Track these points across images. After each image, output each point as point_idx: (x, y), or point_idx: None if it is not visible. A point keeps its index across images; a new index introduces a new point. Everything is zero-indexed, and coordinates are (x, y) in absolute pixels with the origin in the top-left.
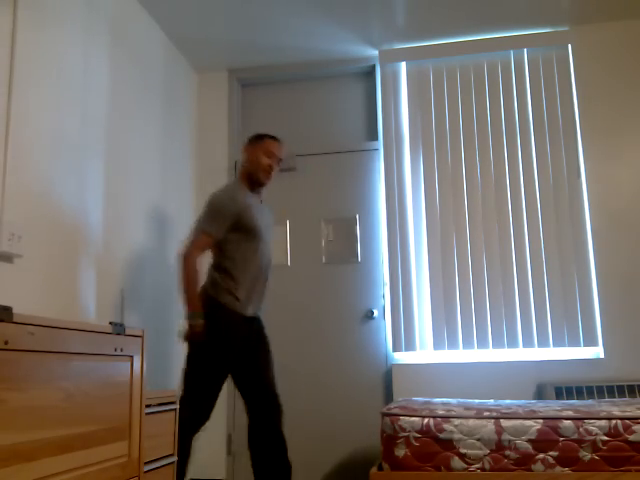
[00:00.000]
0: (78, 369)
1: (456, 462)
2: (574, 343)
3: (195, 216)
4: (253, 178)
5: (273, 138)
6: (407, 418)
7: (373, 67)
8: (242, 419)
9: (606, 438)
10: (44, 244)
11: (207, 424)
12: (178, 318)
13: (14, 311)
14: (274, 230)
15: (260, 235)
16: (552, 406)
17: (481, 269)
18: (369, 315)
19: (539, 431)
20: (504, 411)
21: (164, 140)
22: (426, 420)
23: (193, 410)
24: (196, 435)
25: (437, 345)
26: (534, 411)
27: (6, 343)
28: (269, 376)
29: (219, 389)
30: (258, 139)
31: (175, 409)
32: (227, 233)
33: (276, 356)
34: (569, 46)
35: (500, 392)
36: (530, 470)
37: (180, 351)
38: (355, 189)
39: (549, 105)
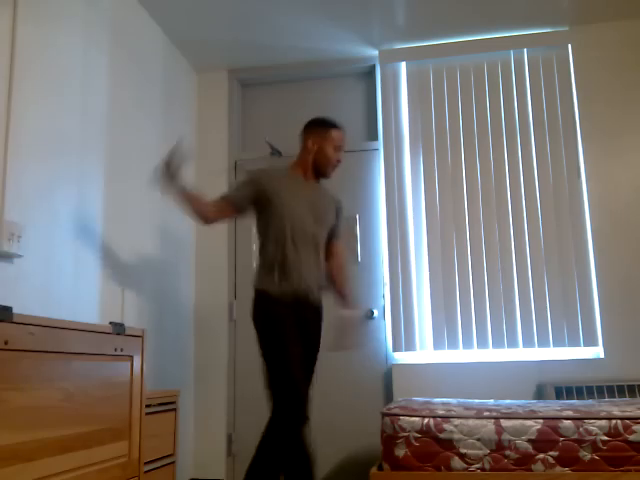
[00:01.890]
0: (78, 369)
1: (456, 462)
2: (574, 343)
3: None
4: (320, 170)
5: (340, 128)
6: (407, 418)
7: (373, 67)
8: (242, 419)
9: (606, 438)
10: (44, 244)
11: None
12: (179, 318)
13: (14, 311)
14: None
15: (283, 204)
16: (552, 406)
17: (481, 269)
18: (369, 315)
19: (539, 431)
20: (504, 411)
21: (164, 140)
22: (426, 420)
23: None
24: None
25: (437, 345)
26: (534, 411)
27: (6, 343)
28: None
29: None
30: (325, 128)
31: (175, 409)
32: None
33: None
34: (569, 46)
35: (500, 392)
36: (530, 470)
37: (180, 351)
38: (355, 189)
39: (549, 105)
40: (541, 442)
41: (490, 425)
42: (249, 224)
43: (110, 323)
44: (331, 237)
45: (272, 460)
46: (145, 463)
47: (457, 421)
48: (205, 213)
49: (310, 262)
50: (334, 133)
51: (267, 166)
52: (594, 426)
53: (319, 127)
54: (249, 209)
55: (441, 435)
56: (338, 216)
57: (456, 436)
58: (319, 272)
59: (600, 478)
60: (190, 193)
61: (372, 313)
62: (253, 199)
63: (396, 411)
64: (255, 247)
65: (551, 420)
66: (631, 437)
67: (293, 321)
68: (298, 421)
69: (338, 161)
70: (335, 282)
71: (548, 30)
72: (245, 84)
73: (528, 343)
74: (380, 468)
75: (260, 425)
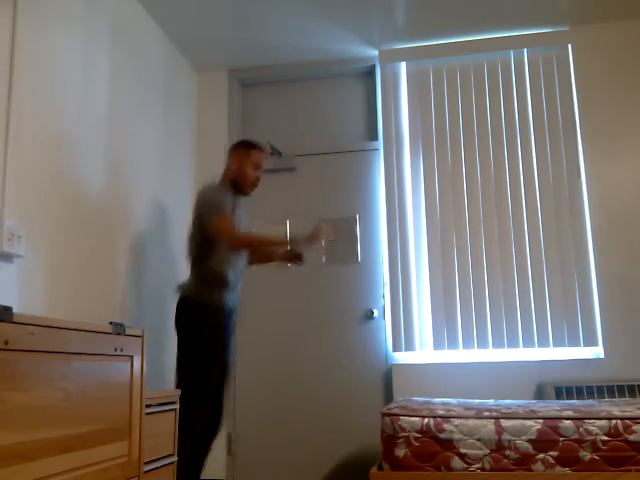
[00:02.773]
0: (78, 369)
1: (456, 462)
2: (574, 343)
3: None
4: (238, 187)
5: (260, 148)
6: (407, 418)
7: (373, 67)
8: (242, 419)
9: (606, 438)
10: (44, 244)
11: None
12: None
13: (14, 311)
14: (274, 229)
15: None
16: (552, 406)
17: (481, 269)
18: (369, 315)
19: (539, 431)
20: (504, 411)
21: (164, 140)
22: (426, 420)
23: None
24: None
25: (437, 345)
26: (534, 411)
27: (6, 343)
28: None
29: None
30: (246, 148)
31: (175, 409)
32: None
33: (276, 356)
34: (569, 46)
35: (500, 392)
36: (530, 470)
37: None
38: (355, 189)
39: (549, 105)
40: (541, 442)
41: (490, 425)
42: (249, 224)
43: (110, 323)
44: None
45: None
46: (145, 463)
47: (457, 421)
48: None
49: (238, 279)
50: (255, 153)
51: (212, 187)
52: (594, 426)
53: (242, 147)
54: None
55: (441, 435)
56: None
57: (456, 436)
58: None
59: (600, 478)
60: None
61: (372, 313)
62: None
63: (396, 411)
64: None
65: (551, 420)
66: (631, 437)
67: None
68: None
69: (257, 179)
70: (261, 254)
71: (548, 30)
72: (245, 84)
73: (528, 343)
74: (380, 468)
75: (260, 425)
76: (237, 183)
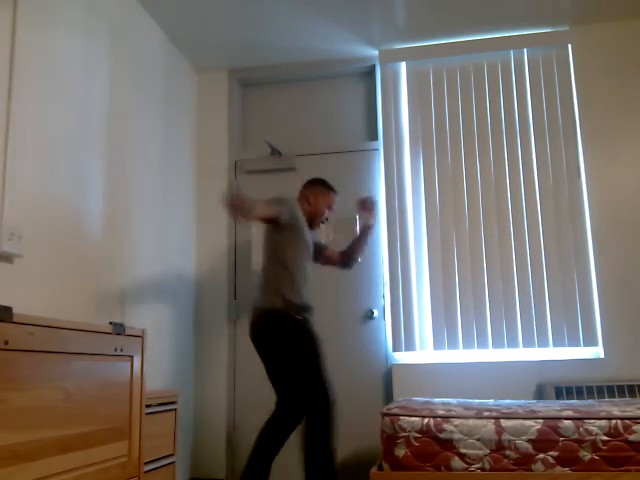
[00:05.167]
0: (78, 369)
1: (456, 462)
2: (574, 343)
3: (195, 216)
4: (311, 222)
5: (335, 192)
6: (407, 418)
7: (373, 67)
8: (242, 419)
9: (606, 438)
10: (44, 244)
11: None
12: (179, 318)
13: (14, 311)
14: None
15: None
16: (552, 406)
17: (481, 269)
18: (369, 315)
19: (539, 431)
20: (504, 411)
21: (164, 140)
22: (426, 420)
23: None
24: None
25: (437, 345)
26: (534, 411)
27: (6, 343)
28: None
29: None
30: (324, 188)
31: (175, 409)
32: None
33: None
34: (569, 46)
35: (500, 392)
36: (530, 470)
37: (180, 351)
38: (355, 189)
39: (549, 105)
40: (541, 442)
41: (490, 425)
42: (249, 224)
43: (110, 323)
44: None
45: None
46: (145, 463)
47: (457, 421)
48: (255, 211)
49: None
50: (332, 195)
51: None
52: (594, 426)
53: (322, 187)
54: (282, 224)
55: (441, 435)
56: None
57: (456, 436)
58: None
59: (600, 478)
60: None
61: (372, 313)
62: (288, 219)
63: (396, 411)
64: (262, 257)
65: (551, 420)
66: (631, 437)
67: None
68: (326, 413)
69: (327, 219)
70: (352, 253)
71: (548, 30)
72: (245, 84)
73: (528, 343)
74: (380, 468)
75: (260, 425)
76: (312, 219)
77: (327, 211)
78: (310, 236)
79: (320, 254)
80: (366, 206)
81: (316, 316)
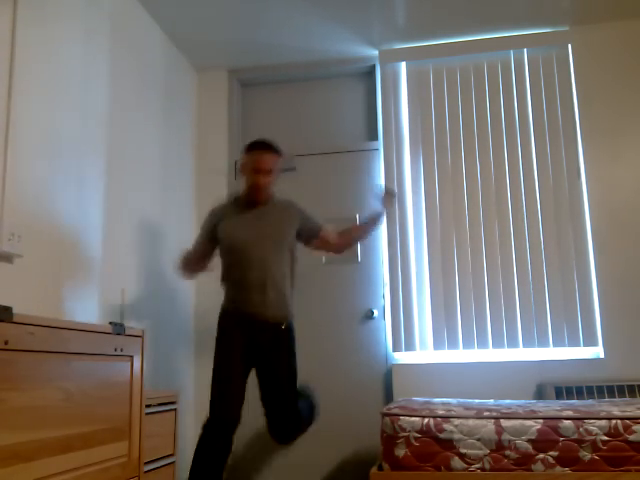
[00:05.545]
0: (78, 369)
1: (456, 462)
2: (574, 343)
3: (195, 216)
4: (250, 196)
5: (259, 149)
6: (407, 418)
7: (373, 67)
8: (242, 419)
9: (606, 438)
10: (44, 244)
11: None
12: (178, 318)
13: (14, 311)
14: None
15: (229, 247)
16: (552, 406)
17: (481, 269)
18: (369, 315)
19: (539, 431)
20: (504, 411)
21: (164, 140)
22: (426, 420)
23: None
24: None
25: (437, 345)
26: (534, 411)
27: (6, 343)
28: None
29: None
30: (246, 151)
31: (175, 409)
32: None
33: None
34: (569, 46)
35: (500, 392)
36: (530, 470)
37: (180, 351)
38: (355, 189)
39: (549, 105)
40: (541, 442)
41: (490, 425)
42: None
43: (110, 323)
44: (310, 236)
45: (197, 463)
46: (145, 463)
47: (457, 421)
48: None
49: (257, 284)
50: (253, 155)
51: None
52: (594, 426)
53: (245, 151)
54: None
55: (441, 435)
56: (301, 218)
57: (456, 436)
58: (276, 292)
59: (600, 478)
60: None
61: (372, 313)
62: (210, 234)
63: (396, 411)
64: None
65: (551, 420)
66: (631, 437)
67: (233, 336)
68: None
69: (256, 184)
70: (351, 236)
71: (548, 30)
72: (245, 84)
73: (528, 343)
74: (380, 468)
75: (259, 425)
76: (248, 191)
77: (253, 176)
78: (271, 215)
79: (312, 237)
80: (388, 196)
81: (316, 316)
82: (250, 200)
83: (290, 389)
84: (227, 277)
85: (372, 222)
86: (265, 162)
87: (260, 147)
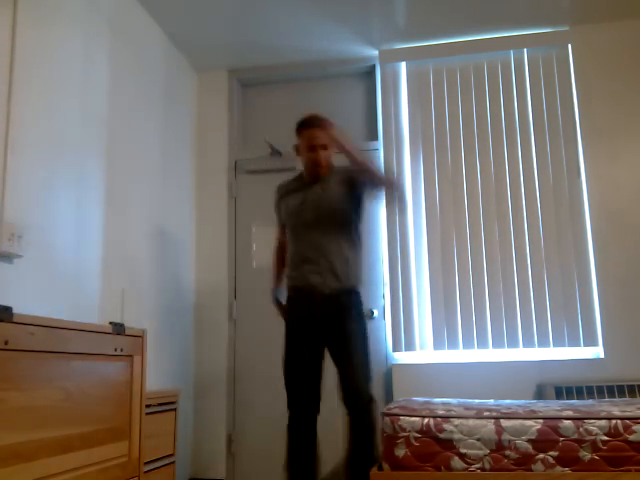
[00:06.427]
0: (78, 369)
1: (456, 462)
2: (574, 343)
3: (195, 216)
4: (309, 174)
5: (308, 127)
6: (407, 418)
7: (373, 67)
8: (242, 419)
9: (606, 438)
10: (44, 244)
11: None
12: (179, 318)
13: (14, 311)
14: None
15: (290, 221)
16: (552, 406)
17: (481, 269)
18: (369, 315)
19: (539, 431)
20: (504, 411)
21: (164, 140)
22: (426, 420)
23: None
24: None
25: (437, 345)
26: (534, 411)
27: (6, 343)
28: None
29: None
30: (297, 131)
31: (175, 409)
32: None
33: (276, 356)
34: (569, 46)
35: (500, 392)
36: (530, 470)
37: (180, 351)
38: None
39: (549, 105)
40: (541, 442)
41: (490, 425)
42: (249, 224)
43: (110, 323)
44: (367, 182)
45: (291, 463)
46: (145, 463)
47: (457, 421)
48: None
49: (317, 257)
50: (303, 133)
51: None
52: (594, 426)
53: (296, 131)
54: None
55: (441, 435)
56: (347, 174)
57: (456, 436)
58: (340, 262)
59: (600, 478)
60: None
61: (372, 313)
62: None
63: (396, 411)
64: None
65: (551, 420)
66: (631, 437)
67: (300, 322)
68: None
69: (312, 160)
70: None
71: (548, 30)
72: (245, 84)
73: (528, 343)
74: (380, 468)
75: (260, 425)
76: (306, 170)
77: (307, 153)
78: (314, 195)
79: (369, 181)
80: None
81: None
82: (312, 175)
83: (364, 357)
84: (292, 253)
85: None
86: (318, 138)
87: (308, 125)
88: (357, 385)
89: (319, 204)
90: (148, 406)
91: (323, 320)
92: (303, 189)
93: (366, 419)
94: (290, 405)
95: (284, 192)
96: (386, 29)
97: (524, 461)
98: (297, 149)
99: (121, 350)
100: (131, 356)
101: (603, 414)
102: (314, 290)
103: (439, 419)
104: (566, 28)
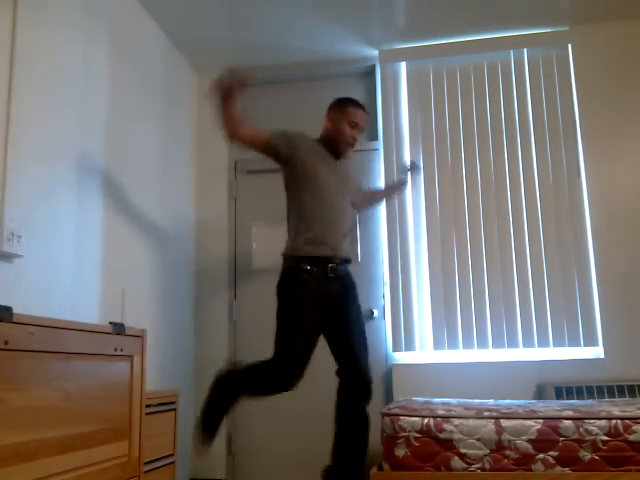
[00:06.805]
0: (78, 369)
1: (456, 462)
2: (574, 343)
3: (195, 216)
4: (333, 146)
5: (357, 105)
6: (407, 418)
7: (373, 67)
8: (242, 419)
9: (606, 438)
10: (44, 244)
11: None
12: (179, 318)
13: (14, 311)
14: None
15: (317, 180)
16: (552, 406)
17: (481, 269)
18: (369, 315)
19: (539, 431)
20: (504, 411)
21: (164, 140)
22: (426, 420)
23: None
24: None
25: (437, 345)
26: (534, 411)
27: (6, 343)
28: (351, 343)
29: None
30: (341, 106)
31: (175, 409)
32: (285, 169)
33: None
34: (569, 46)
35: (500, 392)
36: (530, 470)
37: (180, 351)
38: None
39: (549, 105)
40: (541, 442)
41: (490, 425)
42: (249, 224)
43: (110, 323)
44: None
45: (231, 392)
46: (145, 463)
47: (457, 421)
48: (236, 130)
49: (340, 230)
50: (351, 110)
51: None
52: (594, 426)
53: (338, 106)
54: (276, 158)
55: (441, 435)
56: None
57: (456, 436)
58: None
59: (600, 478)
60: (234, 110)
61: (372, 313)
62: (283, 153)
63: (396, 411)
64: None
65: (551, 420)
66: (631, 437)
67: (319, 298)
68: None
69: (353, 138)
70: (376, 196)
71: (548, 30)
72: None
73: (528, 343)
74: (380, 468)
75: (260, 425)
76: (333, 142)
77: (349, 129)
78: (342, 168)
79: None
80: (413, 167)
81: None
82: (335, 150)
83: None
84: (310, 221)
85: (396, 187)
86: (364, 120)
87: (358, 104)
88: (368, 366)
89: (347, 183)
90: (148, 406)
91: (338, 298)
92: (328, 160)
93: (367, 405)
94: (284, 367)
95: (310, 145)
96: (386, 29)
97: (524, 461)
98: (333, 120)
99: (121, 350)
100: (131, 356)
101: (603, 414)
102: (337, 263)
103: (439, 419)
104: (566, 28)
